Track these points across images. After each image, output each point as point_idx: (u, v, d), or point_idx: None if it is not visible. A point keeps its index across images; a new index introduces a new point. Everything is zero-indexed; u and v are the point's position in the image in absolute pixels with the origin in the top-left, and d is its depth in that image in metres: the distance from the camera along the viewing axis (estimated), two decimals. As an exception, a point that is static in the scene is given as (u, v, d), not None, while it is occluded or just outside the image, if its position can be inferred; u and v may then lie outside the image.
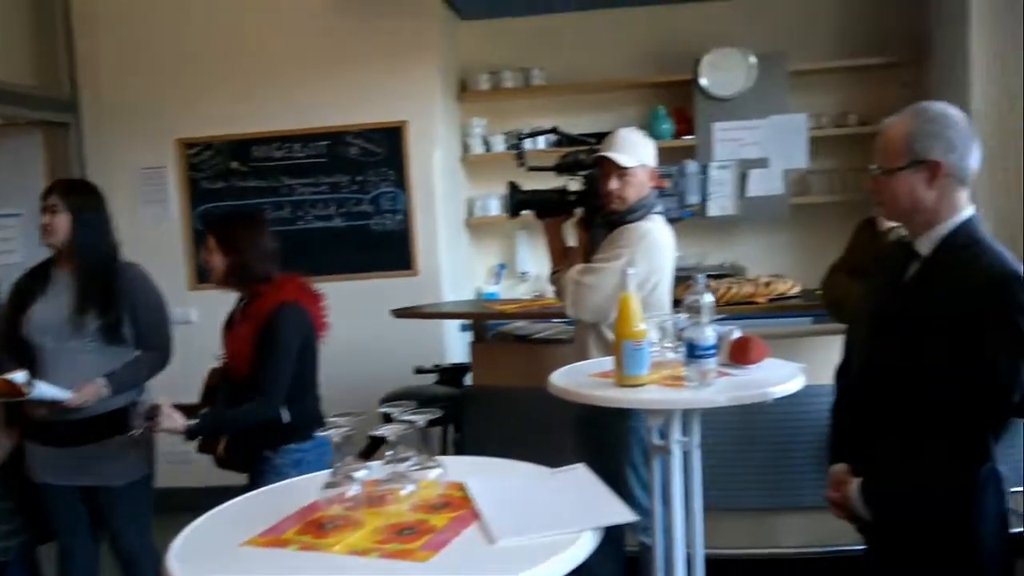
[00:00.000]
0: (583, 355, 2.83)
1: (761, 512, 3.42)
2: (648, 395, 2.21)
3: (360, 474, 1.49)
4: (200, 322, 4.50)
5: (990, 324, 1.70)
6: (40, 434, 2.81)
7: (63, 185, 2.91)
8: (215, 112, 4.79)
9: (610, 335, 2.65)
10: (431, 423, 4.17)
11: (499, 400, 3.59)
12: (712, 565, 2.60)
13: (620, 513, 1.37)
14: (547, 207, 3.05)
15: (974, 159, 1.83)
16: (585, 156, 2.94)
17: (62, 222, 2.76)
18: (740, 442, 3.41)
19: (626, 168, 2.78)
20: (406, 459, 1.54)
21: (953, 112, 1.85)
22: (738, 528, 3.43)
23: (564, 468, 1.59)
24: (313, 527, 1.43)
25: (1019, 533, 3.06)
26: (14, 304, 2.84)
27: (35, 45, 4.62)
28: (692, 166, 4.52)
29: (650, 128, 5.12)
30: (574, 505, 1.44)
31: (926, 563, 1.83)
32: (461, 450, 3.93)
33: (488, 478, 1.59)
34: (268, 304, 2.65)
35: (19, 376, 2.57)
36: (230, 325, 2.79)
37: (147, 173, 4.87)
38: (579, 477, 1.55)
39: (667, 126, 5.11)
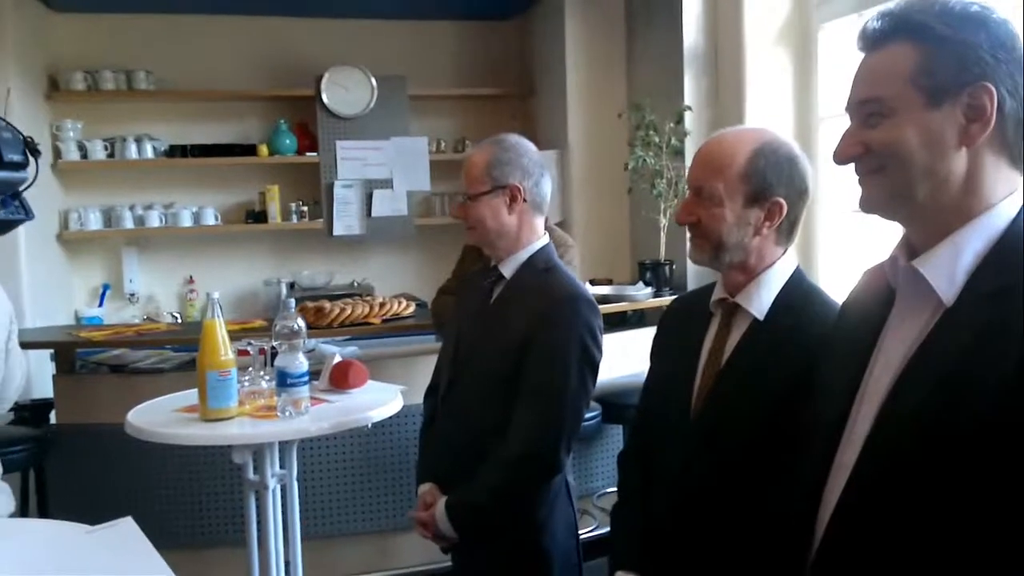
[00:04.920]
0: None
1: (381, 534, 3.40)
2: (234, 429, 2.07)
3: None
4: None
5: (563, 339, 1.83)
6: None
7: None
8: None
9: None
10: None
11: (87, 440, 3.19)
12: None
13: (159, 571, 1.21)
14: None
15: (547, 187, 1.98)
16: None
17: None
18: (354, 467, 3.36)
19: None
20: None
21: (526, 142, 1.99)
22: (356, 553, 3.37)
23: (105, 524, 1.38)
24: None
25: (593, 536, 3.41)
26: None
27: None
28: None
29: (272, 142, 4.94)
30: (107, 568, 1.25)
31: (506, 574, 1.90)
32: (44, 499, 3.43)
33: (10, 542, 1.33)
34: None
35: None
36: None
37: None
38: (122, 533, 1.35)
39: (289, 141, 4.96)
